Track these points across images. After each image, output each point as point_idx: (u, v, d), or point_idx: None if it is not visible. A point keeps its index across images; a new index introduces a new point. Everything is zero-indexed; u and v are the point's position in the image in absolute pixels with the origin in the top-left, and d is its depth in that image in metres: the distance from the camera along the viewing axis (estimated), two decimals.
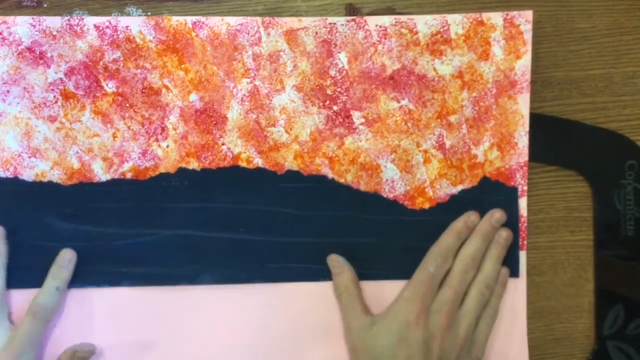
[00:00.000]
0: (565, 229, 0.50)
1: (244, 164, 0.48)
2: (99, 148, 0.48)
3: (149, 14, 0.48)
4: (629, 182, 0.50)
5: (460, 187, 0.49)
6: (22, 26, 0.47)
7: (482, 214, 0.49)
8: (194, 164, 0.48)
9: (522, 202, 0.49)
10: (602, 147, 0.50)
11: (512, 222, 0.49)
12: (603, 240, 0.50)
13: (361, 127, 0.48)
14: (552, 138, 0.49)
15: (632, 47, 0.50)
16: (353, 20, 0.48)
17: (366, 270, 0.48)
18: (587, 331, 0.51)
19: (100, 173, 0.48)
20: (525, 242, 0.49)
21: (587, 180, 0.50)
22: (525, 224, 0.49)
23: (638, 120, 0.50)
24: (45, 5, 0.47)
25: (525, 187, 0.49)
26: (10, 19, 0.46)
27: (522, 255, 0.49)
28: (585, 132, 0.50)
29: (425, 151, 0.49)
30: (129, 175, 0.48)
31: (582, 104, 0.50)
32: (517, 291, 0.49)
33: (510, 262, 0.49)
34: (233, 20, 0.47)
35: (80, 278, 0.47)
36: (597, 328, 0.50)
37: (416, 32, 0.48)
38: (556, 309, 0.50)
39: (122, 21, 0.47)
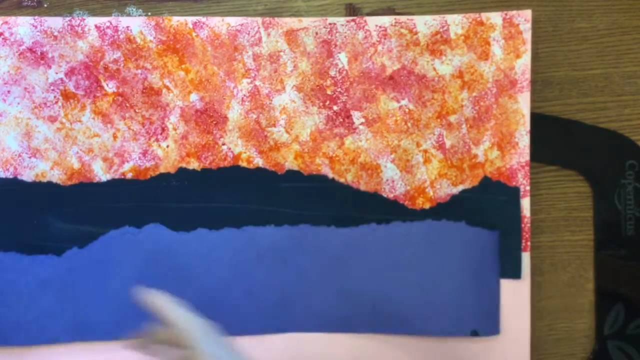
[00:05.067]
0: (565, 228, 0.50)
1: (244, 164, 0.48)
2: (99, 148, 0.48)
3: (149, 14, 0.48)
4: (629, 182, 0.50)
5: (461, 187, 0.49)
6: (23, 27, 0.47)
7: (484, 213, 0.49)
8: (194, 164, 0.48)
9: (525, 203, 0.49)
10: (602, 147, 0.50)
11: (514, 222, 0.49)
12: (603, 240, 0.50)
13: (361, 127, 0.48)
14: (552, 138, 0.49)
15: (632, 47, 0.50)
16: (353, 20, 0.48)
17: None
18: (588, 331, 0.51)
19: (101, 173, 0.48)
20: (528, 244, 0.49)
21: (587, 180, 0.50)
22: (529, 225, 0.49)
23: (638, 120, 0.50)
24: (45, 5, 0.48)
25: (528, 187, 0.49)
26: (11, 19, 0.47)
27: (526, 257, 0.49)
28: (585, 132, 0.50)
29: (426, 151, 0.49)
30: (129, 176, 0.48)
31: (582, 104, 0.50)
32: (519, 293, 0.49)
33: (511, 263, 0.49)
34: (233, 21, 0.47)
35: None
36: (598, 328, 0.50)
37: (416, 33, 0.48)
38: (556, 309, 0.50)
39: (123, 21, 0.47)
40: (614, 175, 0.50)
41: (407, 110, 0.48)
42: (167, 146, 0.48)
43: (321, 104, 0.48)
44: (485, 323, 0.48)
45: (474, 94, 0.48)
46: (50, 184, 0.47)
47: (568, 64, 0.50)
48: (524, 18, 0.48)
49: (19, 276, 0.46)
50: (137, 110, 0.48)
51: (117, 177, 0.48)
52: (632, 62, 0.50)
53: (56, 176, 0.47)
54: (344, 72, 0.48)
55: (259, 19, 0.48)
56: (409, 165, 0.49)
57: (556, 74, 0.50)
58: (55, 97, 0.47)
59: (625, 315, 0.50)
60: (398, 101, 0.48)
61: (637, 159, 0.50)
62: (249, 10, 0.48)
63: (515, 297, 0.49)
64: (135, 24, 0.47)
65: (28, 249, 0.47)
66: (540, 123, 0.49)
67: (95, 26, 0.47)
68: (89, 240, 0.47)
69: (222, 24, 0.47)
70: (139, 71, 0.47)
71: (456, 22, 0.48)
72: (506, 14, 0.48)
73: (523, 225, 0.49)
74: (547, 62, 0.49)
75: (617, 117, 0.50)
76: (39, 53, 0.47)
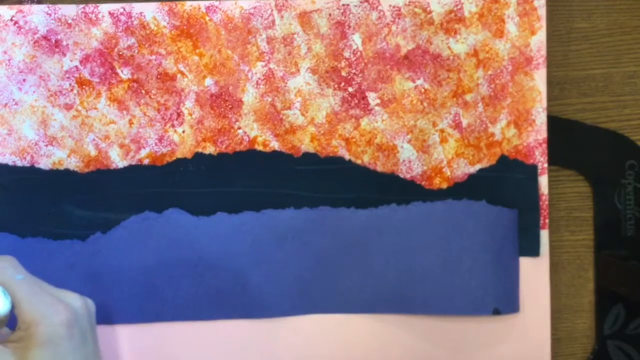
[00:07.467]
0: (565, 228, 0.50)
1: (260, 148, 0.48)
2: (116, 135, 0.48)
3: None
4: (629, 182, 0.50)
5: (478, 166, 0.49)
6: (37, 15, 0.47)
7: (502, 192, 0.48)
8: (210, 149, 0.48)
9: (543, 180, 0.49)
10: (602, 147, 0.50)
11: (532, 200, 0.48)
12: (603, 240, 0.50)
13: (377, 108, 0.48)
14: (552, 138, 0.49)
15: (632, 47, 0.50)
16: (366, 1, 0.48)
17: None
18: (587, 331, 0.51)
19: (117, 160, 0.48)
20: (547, 221, 0.49)
21: (587, 180, 0.50)
22: (547, 202, 0.49)
23: (638, 120, 0.50)
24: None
25: (546, 165, 0.48)
26: (25, 7, 0.47)
27: (544, 234, 0.49)
28: (585, 132, 0.50)
29: (442, 130, 0.48)
30: (146, 162, 0.48)
31: (582, 104, 0.50)
32: (538, 271, 0.49)
33: (530, 241, 0.49)
34: (246, 4, 0.47)
35: None
36: (597, 328, 0.50)
37: (430, 12, 0.48)
38: (556, 309, 0.50)
39: (136, 7, 0.47)
40: (614, 175, 0.50)
41: (422, 90, 0.48)
42: (183, 131, 0.48)
43: (336, 85, 0.48)
44: (506, 301, 0.48)
45: (490, 72, 0.48)
46: (67, 171, 0.47)
47: (568, 64, 0.50)
48: None
49: (48, 260, 0.46)
50: (152, 96, 0.48)
51: (134, 163, 0.48)
52: (632, 62, 0.50)
53: (73, 164, 0.47)
54: (358, 53, 0.48)
55: (272, 2, 0.47)
56: (426, 146, 0.49)
57: (556, 74, 0.50)
58: (70, 84, 0.47)
59: (625, 315, 0.50)
60: (413, 81, 0.48)
61: (637, 159, 0.50)
62: None
63: (534, 274, 0.49)
64: (149, 10, 0.47)
65: (53, 235, 0.47)
66: None
67: (109, 13, 0.47)
68: (110, 225, 0.47)
69: (235, 7, 0.47)
70: (153, 57, 0.47)
71: (470, 1, 0.48)
72: None
73: (541, 203, 0.49)
74: (547, 62, 0.49)
75: (617, 117, 0.50)
76: (53, 41, 0.47)
